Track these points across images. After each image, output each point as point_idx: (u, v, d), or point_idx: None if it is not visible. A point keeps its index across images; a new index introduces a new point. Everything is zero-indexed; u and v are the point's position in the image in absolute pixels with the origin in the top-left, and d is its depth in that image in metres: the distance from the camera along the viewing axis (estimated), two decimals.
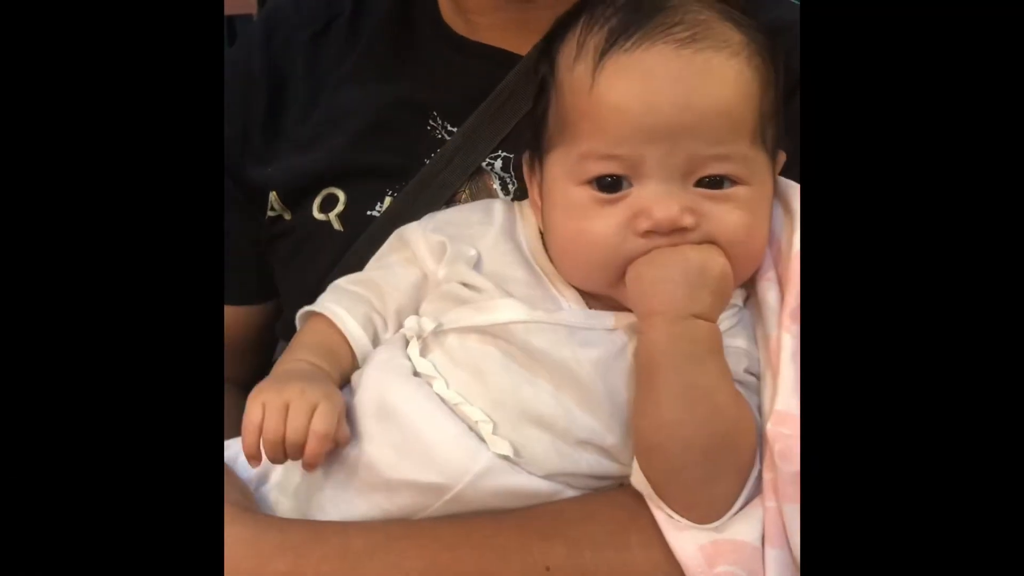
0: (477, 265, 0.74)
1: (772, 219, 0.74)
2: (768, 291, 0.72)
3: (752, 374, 0.71)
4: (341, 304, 0.77)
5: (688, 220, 0.66)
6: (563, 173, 0.70)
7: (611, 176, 0.67)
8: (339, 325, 0.76)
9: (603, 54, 0.67)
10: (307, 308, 0.78)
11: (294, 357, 0.74)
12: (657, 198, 0.66)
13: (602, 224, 0.68)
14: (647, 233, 0.66)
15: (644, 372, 0.65)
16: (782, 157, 0.74)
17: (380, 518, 0.67)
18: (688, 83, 0.66)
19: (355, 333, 0.76)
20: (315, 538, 0.64)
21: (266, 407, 0.66)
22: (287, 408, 0.66)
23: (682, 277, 0.65)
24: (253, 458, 0.67)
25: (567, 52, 0.70)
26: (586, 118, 0.68)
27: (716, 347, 0.65)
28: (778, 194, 0.75)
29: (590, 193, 0.68)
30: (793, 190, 0.74)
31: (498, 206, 0.79)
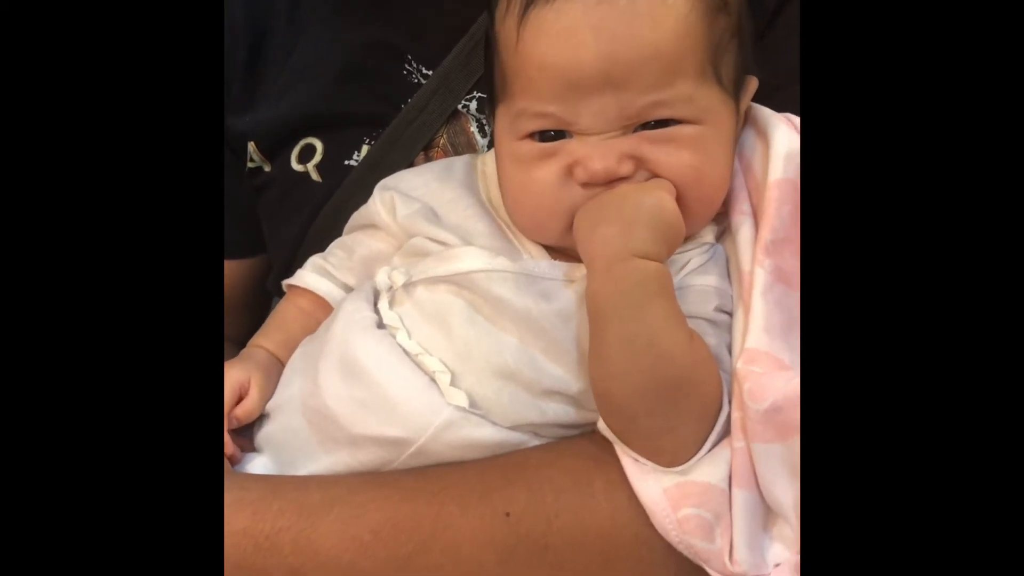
0: (438, 220, 0.73)
1: (745, 147, 0.71)
2: (742, 224, 0.69)
3: (725, 311, 0.68)
4: (316, 271, 0.80)
5: (626, 168, 0.64)
6: (506, 127, 0.69)
7: (550, 131, 0.66)
8: (315, 291, 0.79)
9: (526, 8, 0.64)
10: (285, 281, 0.81)
11: (252, 342, 0.79)
12: (593, 148, 0.64)
13: (543, 173, 0.66)
14: (586, 184, 0.65)
15: (591, 320, 0.63)
16: (752, 83, 0.70)
17: (346, 473, 0.67)
18: (611, 32, 0.62)
19: (333, 294, 0.78)
20: (273, 493, 0.64)
21: None
22: None
23: (615, 216, 0.62)
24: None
25: (500, 6, 0.68)
26: (517, 75, 0.66)
27: (660, 288, 0.62)
28: (752, 122, 0.71)
29: (531, 145, 0.67)
30: (770, 117, 0.70)
31: (458, 163, 0.78)
